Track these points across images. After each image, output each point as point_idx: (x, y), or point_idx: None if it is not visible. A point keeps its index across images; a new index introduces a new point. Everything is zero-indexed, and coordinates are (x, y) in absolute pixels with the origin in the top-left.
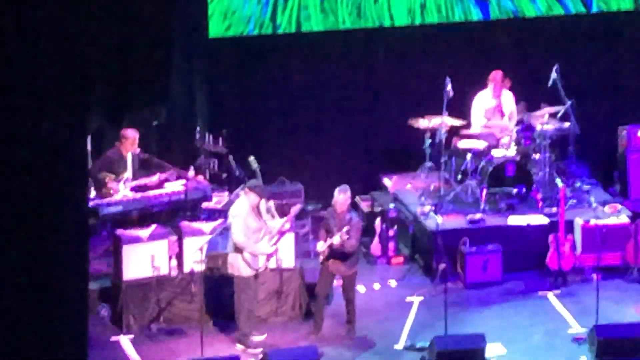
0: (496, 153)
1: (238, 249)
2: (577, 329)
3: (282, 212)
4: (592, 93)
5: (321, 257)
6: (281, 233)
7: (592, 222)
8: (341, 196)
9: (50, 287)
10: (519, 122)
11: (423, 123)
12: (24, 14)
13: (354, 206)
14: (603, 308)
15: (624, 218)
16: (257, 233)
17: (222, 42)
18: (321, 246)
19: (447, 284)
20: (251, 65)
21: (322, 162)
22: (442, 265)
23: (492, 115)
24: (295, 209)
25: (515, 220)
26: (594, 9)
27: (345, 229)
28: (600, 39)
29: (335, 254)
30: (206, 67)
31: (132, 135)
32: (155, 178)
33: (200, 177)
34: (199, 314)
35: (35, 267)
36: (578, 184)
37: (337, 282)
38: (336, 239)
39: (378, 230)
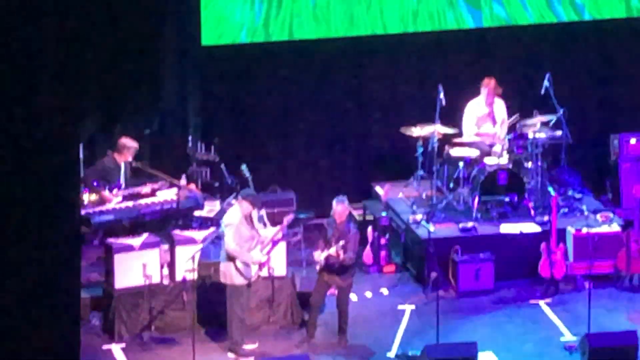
0: (488, 161)
1: (230, 258)
2: (569, 337)
3: (274, 220)
4: (585, 101)
5: (317, 267)
6: (274, 242)
7: (584, 230)
8: (339, 207)
9: (42, 296)
10: (510, 131)
11: (415, 131)
12: (18, 23)
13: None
14: (595, 316)
15: (615, 226)
16: (250, 242)
17: (214, 49)
18: (318, 255)
19: (439, 292)
20: (243, 73)
21: (314, 170)
22: (434, 274)
23: (484, 123)
24: (288, 219)
25: (507, 228)
26: (586, 17)
27: (341, 242)
28: (593, 46)
29: (331, 265)
30: (198, 75)
31: (133, 145)
32: (147, 189)
33: (192, 186)
34: (191, 322)
35: (27, 275)
36: (570, 192)
37: (330, 291)
38: (332, 251)
39: (370, 238)
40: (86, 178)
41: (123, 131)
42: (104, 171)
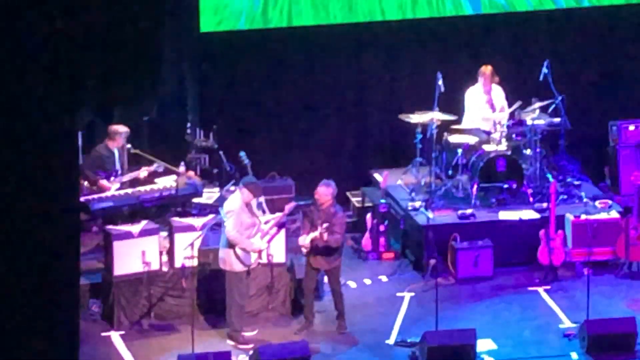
0: (487, 148)
1: (230, 245)
2: (567, 324)
3: (273, 207)
4: (583, 88)
5: (304, 251)
6: (279, 227)
7: (583, 217)
8: (322, 188)
9: (41, 283)
10: (509, 117)
11: (414, 118)
12: (12, 11)
13: (345, 201)
14: (594, 303)
15: (614, 213)
16: (251, 229)
17: (213, 36)
18: (303, 240)
19: (437, 279)
20: (242, 60)
21: (313, 157)
22: (432, 261)
23: (483, 110)
24: (289, 206)
25: (506, 215)
26: (585, 3)
27: (325, 225)
28: (592, 33)
29: (318, 248)
30: (197, 62)
31: (124, 129)
32: (144, 173)
33: (191, 173)
34: (190, 309)
35: (26, 263)
36: (569, 179)
37: (327, 279)
38: (317, 233)
39: (369, 225)
40: (81, 168)
41: (121, 118)
42: (99, 159)
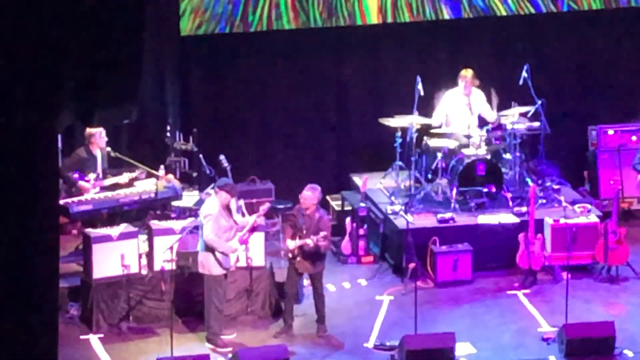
0: (467, 152)
1: (209, 248)
2: (546, 328)
3: (252, 211)
4: (563, 92)
5: (289, 256)
6: (251, 230)
7: (562, 221)
8: (308, 193)
9: (19, 286)
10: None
11: (394, 122)
12: None
13: (325, 205)
14: (572, 307)
15: (593, 217)
16: (228, 232)
17: (193, 40)
18: (291, 244)
19: (417, 283)
20: (222, 63)
21: (292, 160)
22: (412, 264)
23: (461, 113)
24: (264, 208)
25: (485, 219)
26: (565, 8)
27: (322, 233)
28: (571, 38)
29: (306, 253)
30: (177, 65)
31: (97, 130)
32: (125, 179)
33: (171, 176)
34: (169, 312)
35: (5, 265)
36: (548, 184)
37: (307, 282)
38: (310, 242)
39: (348, 229)
40: (62, 170)
41: (102, 122)
42: (79, 162)
